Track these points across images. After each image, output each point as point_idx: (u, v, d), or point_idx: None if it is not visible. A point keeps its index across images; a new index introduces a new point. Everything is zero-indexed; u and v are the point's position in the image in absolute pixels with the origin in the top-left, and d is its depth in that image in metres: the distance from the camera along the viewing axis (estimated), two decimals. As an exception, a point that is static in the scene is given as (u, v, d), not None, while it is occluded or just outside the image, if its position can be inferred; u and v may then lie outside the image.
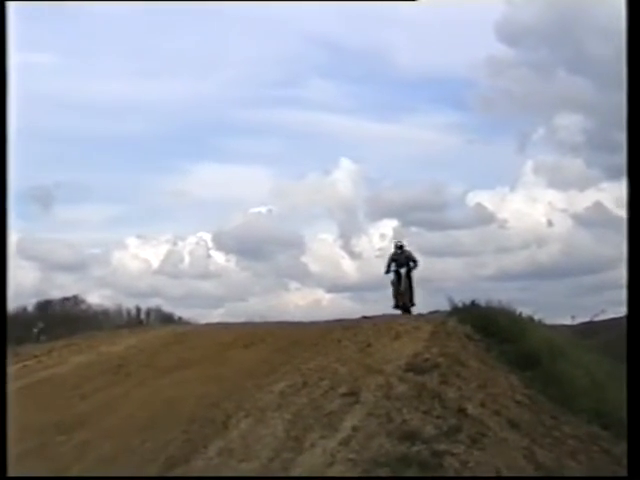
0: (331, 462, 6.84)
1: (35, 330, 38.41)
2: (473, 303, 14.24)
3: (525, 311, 14.75)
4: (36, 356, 15.35)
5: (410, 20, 72.26)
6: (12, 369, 13.55)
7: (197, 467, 7.55)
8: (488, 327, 12.63)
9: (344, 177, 71.76)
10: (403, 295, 18.23)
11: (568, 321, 20.50)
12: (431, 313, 15.57)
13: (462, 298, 14.52)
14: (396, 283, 18.51)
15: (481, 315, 13.32)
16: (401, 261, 18.82)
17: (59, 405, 11.15)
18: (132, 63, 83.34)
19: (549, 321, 16.53)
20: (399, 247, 19.30)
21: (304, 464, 6.95)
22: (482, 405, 9.11)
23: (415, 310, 18.08)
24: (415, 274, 18.83)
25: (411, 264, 18.95)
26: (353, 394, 8.61)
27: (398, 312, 17.83)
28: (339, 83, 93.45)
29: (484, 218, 71.70)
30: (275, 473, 6.92)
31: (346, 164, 71.43)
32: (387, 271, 18.82)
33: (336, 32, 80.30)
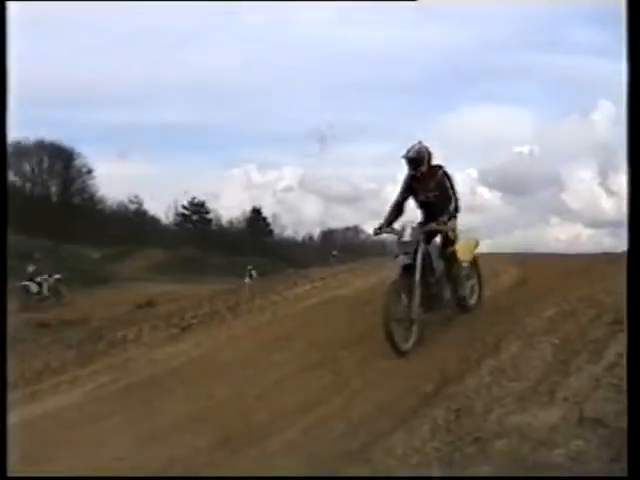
0: (596, 386, 6.95)
1: (332, 255, 41.48)
2: None
3: None
4: (323, 279, 16.87)
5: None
6: (301, 289, 15.17)
7: (470, 385, 7.95)
8: None
9: (603, 118, 66.74)
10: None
11: None
12: None
13: None
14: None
15: None
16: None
17: (342, 323, 12.35)
18: None
19: None
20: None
21: (570, 387, 7.11)
22: None
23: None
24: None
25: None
26: (618, 323, 8.49)
27: None
28: (601, 27, 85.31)
29: None
30: (542, 395, 7.12)
31: (605, 106, 66.30)
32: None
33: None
